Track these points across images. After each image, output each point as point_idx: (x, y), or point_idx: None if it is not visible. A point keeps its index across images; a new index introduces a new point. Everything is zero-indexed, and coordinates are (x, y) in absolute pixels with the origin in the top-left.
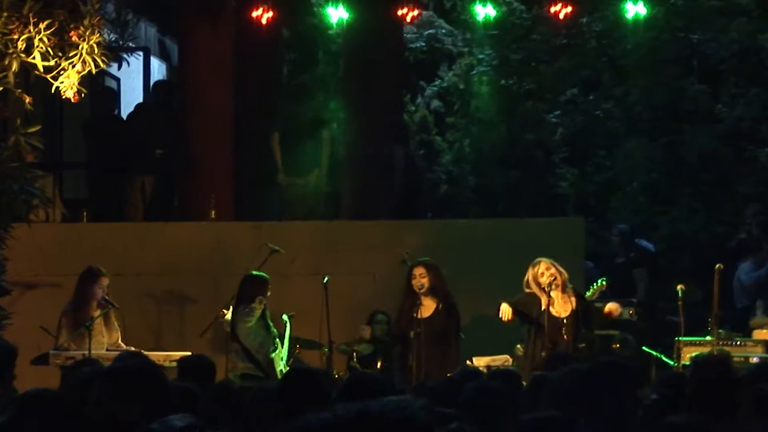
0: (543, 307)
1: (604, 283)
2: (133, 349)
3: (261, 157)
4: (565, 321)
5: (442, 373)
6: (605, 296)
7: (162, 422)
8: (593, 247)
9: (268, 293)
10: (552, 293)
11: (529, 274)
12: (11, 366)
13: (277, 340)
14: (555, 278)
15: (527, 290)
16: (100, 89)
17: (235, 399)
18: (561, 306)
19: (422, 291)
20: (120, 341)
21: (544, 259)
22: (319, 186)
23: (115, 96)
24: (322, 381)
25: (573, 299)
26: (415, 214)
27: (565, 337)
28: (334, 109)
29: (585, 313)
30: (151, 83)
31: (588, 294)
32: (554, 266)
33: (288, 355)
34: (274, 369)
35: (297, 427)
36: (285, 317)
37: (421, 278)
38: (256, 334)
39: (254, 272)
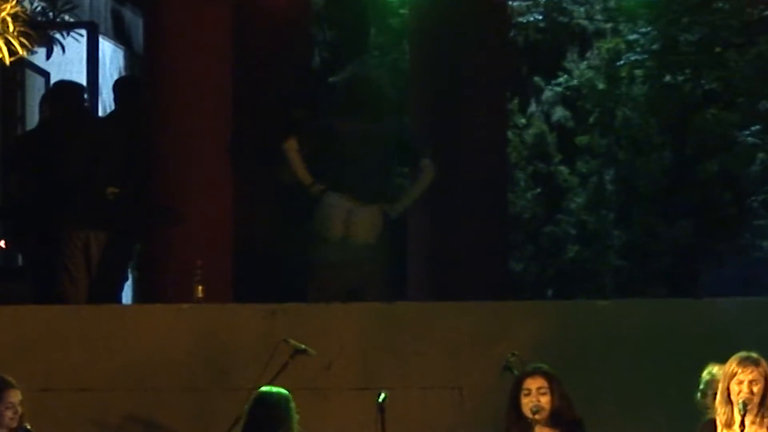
0: None
1: None
2: None
3: (277, 196)
4: None
5: None
6: None
7: None
8: None
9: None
10: (743, 415)
11: (725, 370)
12: None
13: None
14: (757, 398)
15: (703, 399)
16: (14, 90)
17: None
18: None
19: (539, 417)
20: None
21: (758, 361)
22: (376, 246)
23: (53, 99)
24: None
25: None
26: None
27: None
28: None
29: None
30: (101, 77)
31: None
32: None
33: None
34: None
35: None
36: None
37: (539, 395)
38: None
39: (267, 390)
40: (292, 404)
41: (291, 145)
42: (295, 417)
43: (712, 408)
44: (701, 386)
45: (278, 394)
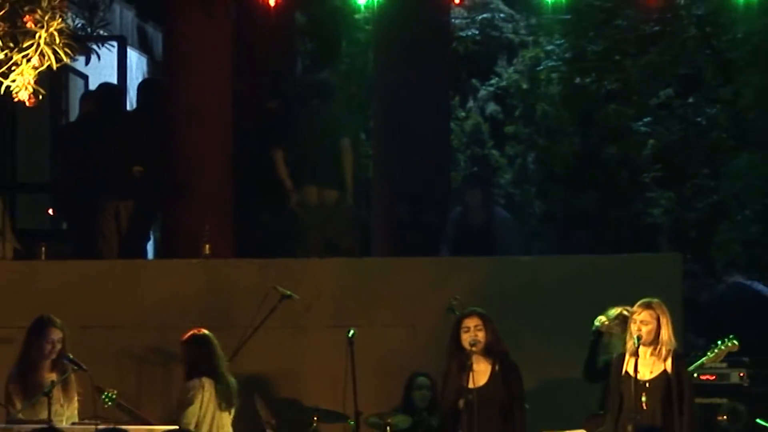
0: (625, 368)
1: (735, 342)
2: (100, 426)
3: (267, 177)
4: (647, 385)
5: None
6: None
7: None
8: (695, 293)
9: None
10: (639, 349)
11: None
12: None
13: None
14: (649, 335)
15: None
16: (60, 89)
17: None
18: (647, 366)
19: (475, 349)
20: (76, 414)
21: (655, 304)
22: (341, 210)
23: (96, 97)
24: None
25: (668, 361)
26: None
27: (645, 406)
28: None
29: (680, 379)
30: (128, 80)
31: (709, 356)
32: (660, 321)
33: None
34: None
35: None
36: None
37: (475, 331)
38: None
39: (193, 333)
40: (215, 342)
41: (279, 155)
42: (219, 353)
43: (613, 332)
44: (611, 313)
45: (201, 335)
